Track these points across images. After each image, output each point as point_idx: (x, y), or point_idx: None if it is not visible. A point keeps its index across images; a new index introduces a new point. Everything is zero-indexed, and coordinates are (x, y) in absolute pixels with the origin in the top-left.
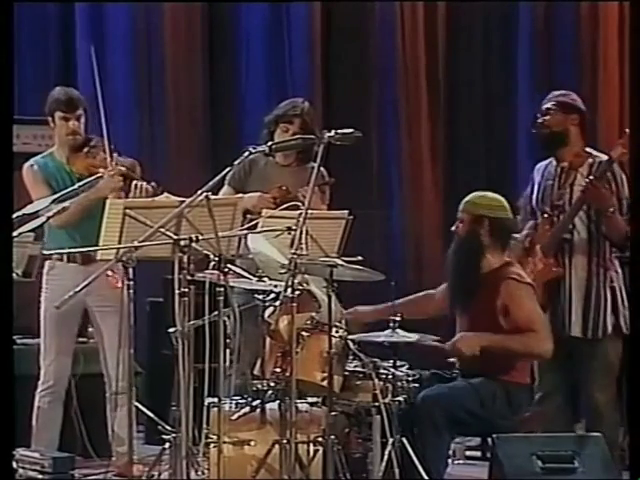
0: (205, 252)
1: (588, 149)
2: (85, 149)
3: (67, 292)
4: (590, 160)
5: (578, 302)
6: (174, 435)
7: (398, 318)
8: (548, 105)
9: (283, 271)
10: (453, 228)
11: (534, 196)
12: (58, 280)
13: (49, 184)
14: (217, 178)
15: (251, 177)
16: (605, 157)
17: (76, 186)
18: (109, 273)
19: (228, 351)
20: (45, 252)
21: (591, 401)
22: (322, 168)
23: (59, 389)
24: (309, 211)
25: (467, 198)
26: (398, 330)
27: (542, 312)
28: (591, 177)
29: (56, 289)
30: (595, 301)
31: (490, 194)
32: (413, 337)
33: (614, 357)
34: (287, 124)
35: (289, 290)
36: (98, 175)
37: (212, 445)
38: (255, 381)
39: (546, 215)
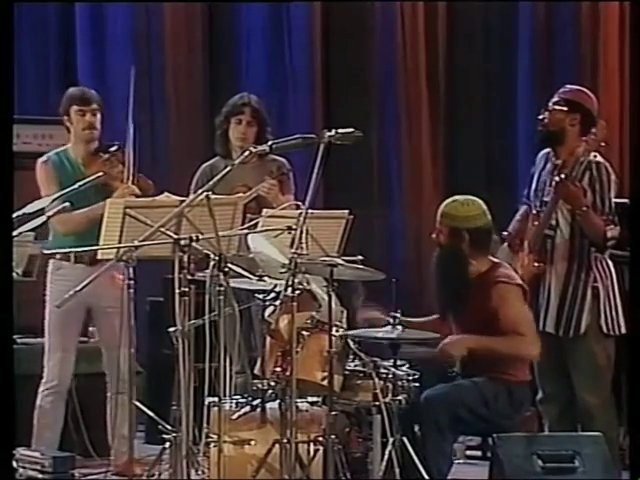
0: (205, 252)
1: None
2: (105, 155)
3: None
4: (581, 159)
5: (554, 299)
6: (174, 435)
7: (398, 314)
8: (552, 101)
9: (283, 270)
10: (433, 235)
11: (531, 189)
12: (64, 281)
13: (61, 183)
14: (217, 178)
15: None
16: (597, 156)
17: (76, 185)
18: (117, 275)
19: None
20: (46, 251)
21: (581, 403)
22: (282, 159)
23: (62, 389)
24: (310, 210)
25: (445, 207)
26: (398, 327)
27: (530, 314)
28: (562, 175)
29: (62, 289)
30: (570, 299)
31: (467, 202)
32: (412, 334)
33: (600, 357)
34: (239, 115)
35: (289, 289)
36: (98, 175)
37: (212, 444)
38: (255, 380)
39: (534, 211)
